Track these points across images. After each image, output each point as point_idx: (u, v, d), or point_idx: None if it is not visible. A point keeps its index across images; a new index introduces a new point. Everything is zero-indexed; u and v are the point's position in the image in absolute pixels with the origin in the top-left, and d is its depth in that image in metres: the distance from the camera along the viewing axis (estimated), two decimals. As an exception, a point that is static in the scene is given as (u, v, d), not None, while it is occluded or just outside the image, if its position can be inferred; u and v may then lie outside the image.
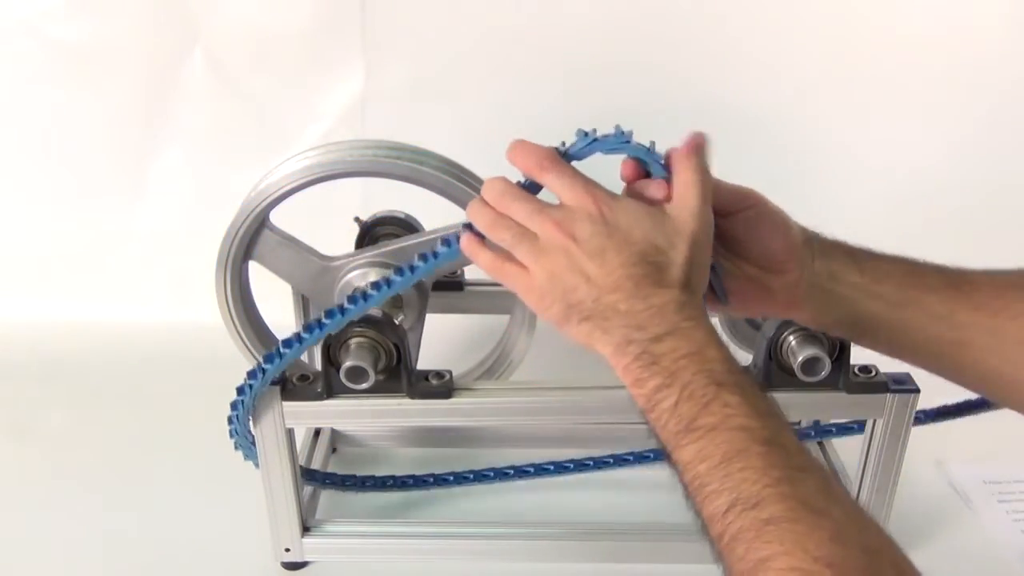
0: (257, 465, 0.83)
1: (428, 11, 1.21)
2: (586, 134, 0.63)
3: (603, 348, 0.58)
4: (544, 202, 0.60)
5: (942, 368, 0.67)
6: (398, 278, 0.70)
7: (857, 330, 0.68)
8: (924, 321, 0.65)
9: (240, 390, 0.77)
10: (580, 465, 1.01)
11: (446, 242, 0.66)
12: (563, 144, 0.63)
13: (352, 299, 0.73)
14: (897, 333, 0.66)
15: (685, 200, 0.60)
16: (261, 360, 0.76)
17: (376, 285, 0.71)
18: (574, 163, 0.62)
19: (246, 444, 0.83)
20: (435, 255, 0.67)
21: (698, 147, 0.62)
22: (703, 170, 0.61)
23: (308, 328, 0.74)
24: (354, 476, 0.99)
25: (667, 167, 0.62)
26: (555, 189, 0.60)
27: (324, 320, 0.74)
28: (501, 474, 1.00)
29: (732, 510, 0.49)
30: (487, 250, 0.62)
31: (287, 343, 0.75)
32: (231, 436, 0.82)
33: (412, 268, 0.69)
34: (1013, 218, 1.31)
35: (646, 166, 0.63)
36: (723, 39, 1.21)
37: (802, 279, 0.66)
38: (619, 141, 0.62)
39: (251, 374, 0.76)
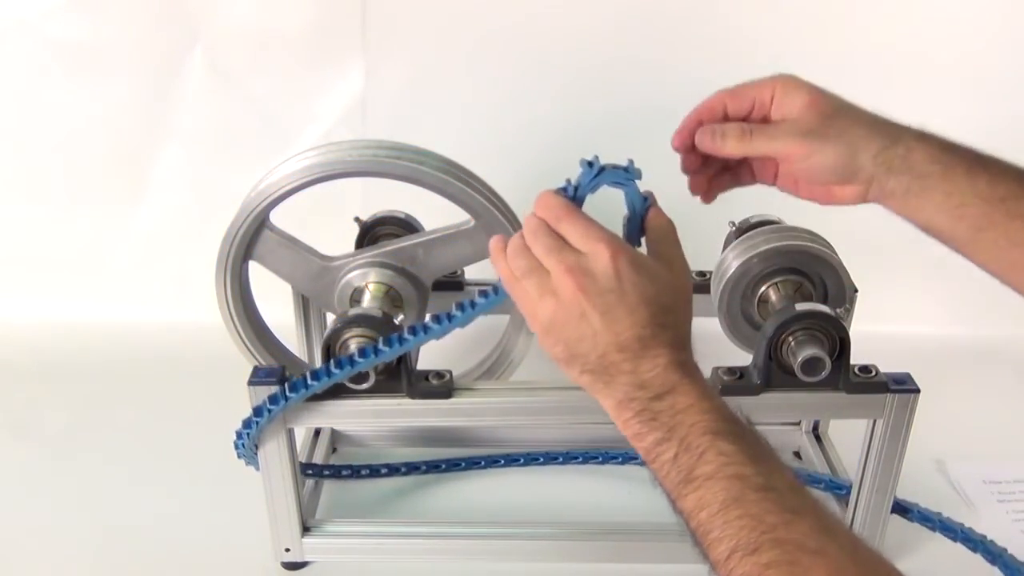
0: (258, 469, 0.83)
1: (428, 11, 1.21)
2: (590, 164, 0.64)
3: (603, 401, 0.61)
4: (565, 244, 0.62)
5: (1012, 282, 0.69)
6: (436, 326, 0.72)
7: (929, 233, 0.71)
8: (1003, 245, 0.67)
9: (247, 424, 0.78)
10: (569, 457, 1.02)
11: (484, 294, 0.69)
12: (568, 181, 0.65)
13: (384, 342, 0.74)
14: (972, 249, 0.69)
15: (677, 262, 0.65)
16: (267, 399, 0.77)
17: (413, 330, 0.73)
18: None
19: (250, 455, 0.83)
20: (473, 305, 0.70)
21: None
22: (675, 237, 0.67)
23: (315, 375, 0.76)
24: (350, 465, 1.00)
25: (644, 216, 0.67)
26: (571, 239, 0.62)
27: (334, 370, 0.75)
28: (492, 461, 1.02)
29: (733, 556, 0.52)
30: (507, 263, 0.64)
31: (294, 387, 0.76)
32: (236, 451, 0.82)
33: (450, 317, 0.71)
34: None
35: (632, 207, 0.66)
36: (723, 38, 1.21)
37: (868, 190, 0.70)
38: (626, 177, 0.65)
39: (258, 411, 0.77)
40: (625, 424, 0.60)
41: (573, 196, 0.65)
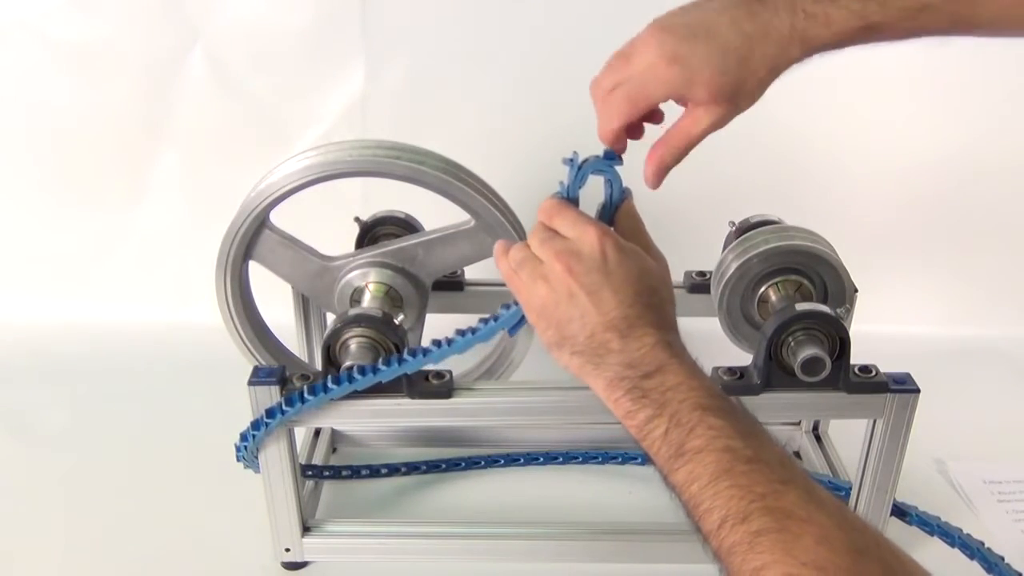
0: (258, 471, 0.83)
1: (428, 11, 1.21)
2: (571, 161, 0.68)
3: (594, 382, 0.63)
4: (557, 234, 0.65)
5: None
6: (460, 339, 0.73)
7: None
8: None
9: (256, 425, 0.78)
10: (569, 457, 1.02)
11: (507, 306, 0.71)
12: (561, 183, 0.68)
13: (409, 353, 0.76)
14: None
15: (654, 249, 0.68)
16: (283, 402, 0.77)
17: (437, 343, 0.74)
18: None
19: (251, 458, 0.83)
20: (495, 319, 0.72)
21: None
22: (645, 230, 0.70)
23: (337, 380, 0.76)
24: (350, 466, 1.00)
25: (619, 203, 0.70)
26: (562, 230, 0.65)
27: (356, 376, 0.76)
28: (492, 461, 1.02)
29: (724, 525, 0.53)
30: (507, 258, 0.67)
31: (312, 391, 0.77)
32: (237, 453, 0.82)
33: (473, 331, 0.73)
34: (1014, 213, 1.31)
35: (610, 195, 0.69)
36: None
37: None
38: (607, 164, 0.68)
39: (271, 412, 0.77)
40: (616, 403, 0.61)
41: (567, 196, 0.68)
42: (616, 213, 0.70)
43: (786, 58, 0.61)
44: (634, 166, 0.69)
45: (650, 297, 0.63)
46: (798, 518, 0.51)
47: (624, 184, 0.70)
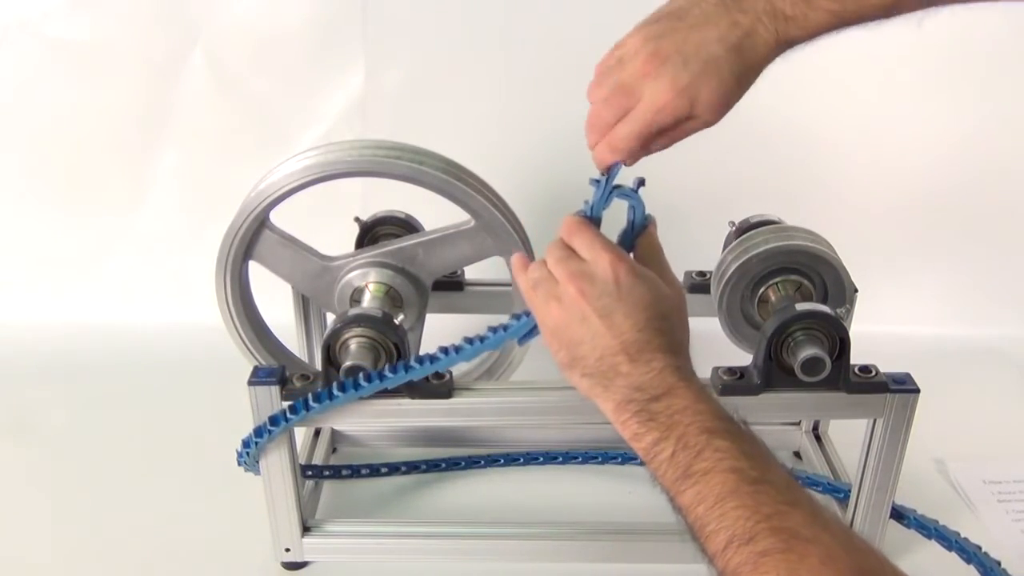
0: (259, 474, 0.83)
1: (428, 11, 1.21)
2: (597, 182, 0.68)
3: (603, 404, 0.64)
4: (573, 254, 0.66)
5: None
6: (468, 346, 0.74)
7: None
8: None
9: (259, 432, 0.78)
10: (569, 457, 1.02)
11: (516, 316, 0.72)
12: (585, 202, 0.69)
13: (416, 360, 0.76)
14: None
15: (670, 276, 0.69)
16: (287, 409, 0.77)
17: (444, 350, 0.75)
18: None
19: (252, 462, 0.83)
20: (505, 328, 0.72)
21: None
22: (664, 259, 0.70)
23: (342, 387, 0.76)
24: (350, 465, 1.00)
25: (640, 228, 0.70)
26: (579, 250, 0.66)
27: (362, 383, 0.76)
28: (492, 461, 1.02)
29: (730, 546, 0.53)
30: (526, 276, 0.68)
31: (317, 398, 0.76)
32: (239, 458, 0.82)
33: (482, 339, 0.73)
34: (1014, 213, 1.31)
35: (632, 221, 0.70)
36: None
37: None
38: (632, 191, 0.68)
39: (275, 419, 0.77)
40: (624, 425, 0.62)
41: (590, 215, 0.69)
42: (636, 239, 0.70)
43: (770, 60, 0.63)
44: (655, 185, 0.69)
45: (661, 323, 0.63)
46: (803, 539, 0.51)
47: (647, 211, 0.70)
